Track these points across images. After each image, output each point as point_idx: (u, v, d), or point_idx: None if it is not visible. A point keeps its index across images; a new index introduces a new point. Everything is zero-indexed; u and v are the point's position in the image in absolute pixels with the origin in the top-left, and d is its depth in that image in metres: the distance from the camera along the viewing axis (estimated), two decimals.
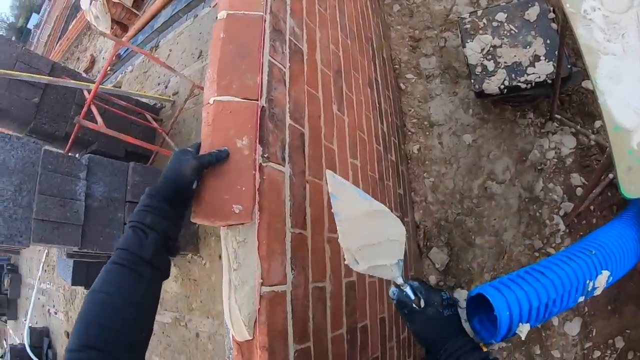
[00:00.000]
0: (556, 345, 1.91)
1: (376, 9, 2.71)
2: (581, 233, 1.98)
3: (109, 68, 5.72)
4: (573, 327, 1.89)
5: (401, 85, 2.78)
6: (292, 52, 1.21)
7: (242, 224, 0.88)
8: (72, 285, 3.03)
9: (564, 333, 1.91)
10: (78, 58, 8.17)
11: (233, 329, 0.88)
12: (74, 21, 7.99)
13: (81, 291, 4.42)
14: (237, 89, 0.96)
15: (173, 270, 3.31)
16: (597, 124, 2.12)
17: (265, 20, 1.10)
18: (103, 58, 5.98)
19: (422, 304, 0.82)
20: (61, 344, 4.70)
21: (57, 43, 8.96)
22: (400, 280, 0.85)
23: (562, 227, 2.03)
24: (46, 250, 5.09)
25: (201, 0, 4.52)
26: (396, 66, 2.85)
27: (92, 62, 6.56)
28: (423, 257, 2.41)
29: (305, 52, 1.31)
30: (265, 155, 0.93)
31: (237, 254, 0.87)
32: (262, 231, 0.88)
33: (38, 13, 13.10)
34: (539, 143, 2.21)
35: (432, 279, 2.33)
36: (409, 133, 2.65)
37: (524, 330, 0.90)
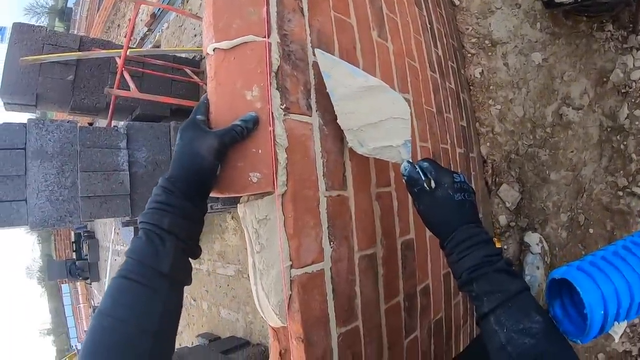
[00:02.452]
0: None
1: None
2: None
3: (147, 29, 5.70)
4: None
5: (454, 0, 2.39)
6: None
7: (263, 196, 0.72)
8: None
9: None
10: (119, 25, 8.24)
11: (265, 316, 0.76)
12: None
13: None
14: (238, 29, 0.76)
15: (232, 223, 3.34)
16: None
17: None
18: (141, 20, 5.90)
19: (433, 184, 0.77)
20: None
21: (96, 14, 9.06)
22: (410, 159, 0.82)
23: None
24: None
25: None
26: None
27: (133, 26, 6.52)
28: (492, 195, 2.18)
29: None
30: (284, 106, 0.75)
31: (259, 234, 0.72)
32: (287, 203, 0.72)
33: None
34: (622, 61, 1.78)
35: (503, 219, 2.11)
36: (469, 55, 2.31)
37: (619, 330, 0.68)
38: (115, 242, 5.49)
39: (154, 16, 5.25)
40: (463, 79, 2.21)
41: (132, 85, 2.37)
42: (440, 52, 1.79)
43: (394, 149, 0.83)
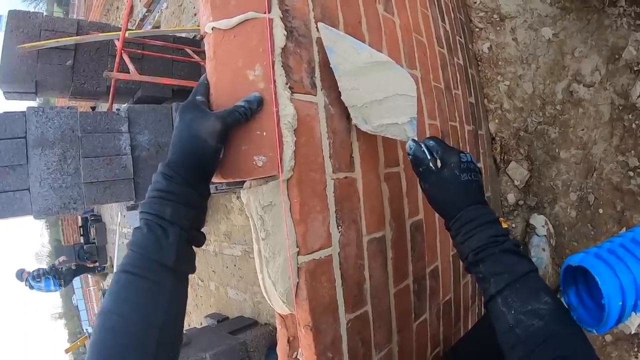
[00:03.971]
0: None
1: None
2: None
3: (146, 10, 5.58)
4: None
5: None
6: None
7: (266, 181, 0.70)
8: None
9: None
10: (117, 7, 8.07)
11: (272, 303, 0.74)
12: None
13: None
14: (237, 5, 0.71)
15: (237, 204, 3.34)
16: None
17: None
18: (140, 1, 5.79)
19: (439, 164, 0.75)
20: None
21: None
22: (415, 138, 0.80)
23: None
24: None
25: None
26: None
27: (131, 7, 6.40)
28: (500, 173, 2.14)
29: None
30: (288, 85, 0.72)
31: (264, 220, 0.70)
32: (292, 187, 0.69)
33: None
34: (635, 38, 1.70)
35: (511, 198, 2.07)
36: (477, 30, 2.23)
37: (635, 321, 0.66)
38: (122, 224, 5.53)
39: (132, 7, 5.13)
40: (471, 54, 2.14)
41: (131, 67, 2.32)
42: (447, 27, 1.73)
43: (399, 127, 0.81)
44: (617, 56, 1.75)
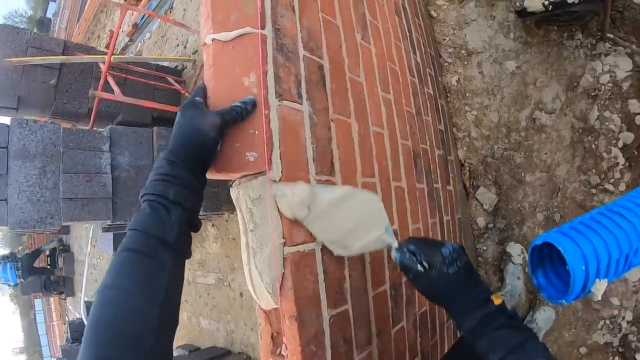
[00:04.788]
0: (615, 292, 1.74)
1: None
2: None
3: (128, 39, 5.68)
4: (634, 273, 1.70)
5: (432, 12, 2.49)
6: None
7: (256, 177, 0.75)
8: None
9: (624, 279, 1.73)
10: (99, 36, 8.18)
11: (256, 298, 0.78)
12: (89, 1, 7.91)
13: None
14: (236, 22, 0.80)
15: (212, 231, 3.33)
16: None
17: None
18: (122, 31, 5.89)
19: (426, 265, 0.77)
20: None
21: (76, 25, 8.97)
22: (396, 245, 0.82)
23: (620, 160, 1.78)
24: (92, 227, 5.30)
25: None
26: None
27: (112, 37, 6.49)
28: (470, 198, 2.24)
29: None
30: (278, 93, 0.79)
31: (253, 212, 0.74)
32: (279, 182, 0.74)
33: (55, 1, 13.18)
34: (591, 66, 1.90)
35: (481, 221, 2.17)
36: (446, 64, 2.40)
37: (600, 287, 0.73)
38: (92, 255, 5.35)
39: (135, 26, 5.25)
40: (440, 86, 2.29)
41: (116, 89, 2.36)
42: (418, 59, 1.87)
43: (377, 238, 0.84)
44: (575, 84, 1.93)
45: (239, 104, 0.72)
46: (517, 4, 1.84)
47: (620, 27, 1.88)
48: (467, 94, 2.31)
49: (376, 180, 1.14)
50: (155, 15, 3.11)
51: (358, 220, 0.82)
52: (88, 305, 5.07)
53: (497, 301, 0.72)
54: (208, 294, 3.40)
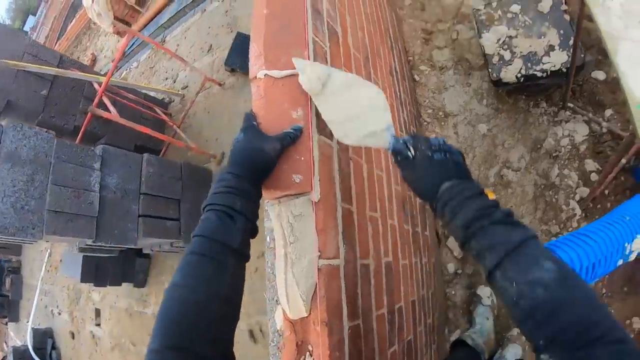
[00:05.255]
0: None
1: (390, 2, 2.71)
2: (597, 216, 2.00)
3: (111, 64, 5.70)
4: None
5: (415, 76, 2.78)
6: (330, 33, 1.20)
7: (298, 196, 0.86)
8: (81, 281, 2.96)
9: None
10: (78, 57, 8.09)
11: (288, 306, 0.86)
12: (74, 21, 7.92)
13: (87, 290, 4.36)
14: (285, 63, 0.94)
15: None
16: (608, 112, 2.16)
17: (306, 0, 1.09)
18: (105, 56, 5.93)
19: (412, 151, 0.78)
20: (65, 345, 4.64)
21: (55, 44, 8.85)
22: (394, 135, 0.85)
23: (578, 211, 2.05)
24: (49, 251, 5.03)
25: None
26: (409, 58, 2.85)
27: (94, 60, 6.51)
28: (441, 245, 2.41)
29: (340, 34, 1.29)
30: (318, 127, 0.92)
31: (294, 227, 0.85)
32: (318, 204, 0.86)
33: (34, 15, 12.93)
34: (553, 131, 2.22)
35: (451, 267, 2.33)
36: (425, 123, 2.66)
37: None
38: (44, 280, 5.00)
39: (123, 53, 5.31)
40: None
41: (112, 109, 2.40)
42: (405, 116, 2.09)
43: (378, 135, 0.86)
44: (539, 146, 2.22)
45: (291, 131, 0.83)
46: (494, 75, 2.14)
47: (579, 98, 2.22)
48: None
49: (378, 215, 1.27)
50: (157, 45, 3.19)
51: (363, 110, 0.87)
52: (36, 332, 4.69)
53: (491, 196, 0.68)
54: None
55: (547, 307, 0.54)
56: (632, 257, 1.15)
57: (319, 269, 0.82)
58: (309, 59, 0.97)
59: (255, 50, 0.98)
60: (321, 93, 0.85)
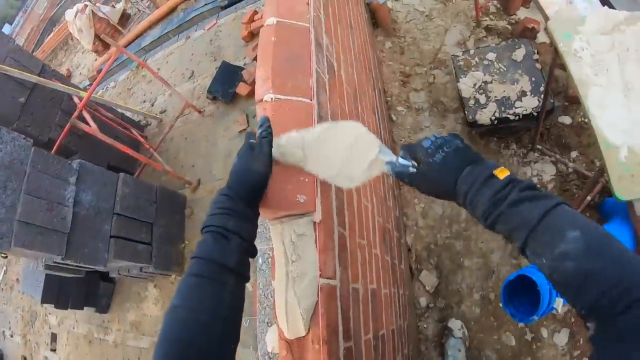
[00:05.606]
0: (547, 356, 2.00)
1: (372, 44, 2.87)
2: None
3: (89, 83, 5.61)
4: (562, 338, 1.99)
5: (392, 116, 2.92)
6: (329, 66, 1.28)
7: (302, 216, 0.89)
8: (41, 302, 2.77)
9: (553, 344, 2.00)
10: (53, 71, 7.90)
11: (287, 325, 0.86)
12: (52, 34, 7.80)
13: (43, 313, 4.09)
14: (291, 88, 0.99)
15: (153, 292, 3.17)
16: (574, 154, 2.34)
17: (310, 32, 1.16)
18: (80, 73, 5.83)
19: (415, 164, 0.77)
20: None
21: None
22: (394, 159, 0.82)
23: None
24: (4, 268, 4.70)
25: (194, 23, 4.58)
26: (388, 99, 3.00)
27: (69, 76, 6.38)
28: (414, 279, 2.46)
29: (336, 68, 1.37)
30: None
31: (296, 246, 0.87)
32: (319, 225, 0.89)
33: (10, 24, 12.57)
34: (522, 171, 2.39)
35: (423, 301, 2.38)
36: None
37: (559, 304, 0.98)
38: None
39: (99, 72, 5.25)
40: (396, 180, 2.62)
41: (92, 124, 2.35)
42: None
43: (375, 162, 0.85)
44: None
45: (262, 131, 0.84)
46: (470, 117, 2.29)
47: (547, 141, 2.40)
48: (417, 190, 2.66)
49: (365, 243, 1.31)
50: (144, 66, 3.18)
51: (349, 149, 0.85)
52: None
53: (501, 175, 0.66)
54: (138, 358, 3.11)
55: (579, 279, 0.54)
56: None
57: (320, 287, 0.84)
58: (312, 87, 1.03)
59: (262, 75, 1.02)
60: (305, 158, 0.86)
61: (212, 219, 0.73)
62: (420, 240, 2.54)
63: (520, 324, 2.05)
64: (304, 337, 0.85)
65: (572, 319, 2.00)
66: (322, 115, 1.05)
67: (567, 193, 2.25)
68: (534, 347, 2.03)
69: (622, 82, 1.38)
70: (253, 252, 0.78)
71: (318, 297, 0.84)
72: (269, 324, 1.00)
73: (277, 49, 1.08)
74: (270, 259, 1.41)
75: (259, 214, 0.83)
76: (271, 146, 0.83)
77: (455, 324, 2.18)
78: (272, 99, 0.97)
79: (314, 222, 0.88)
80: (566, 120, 2.41)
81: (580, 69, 1.44)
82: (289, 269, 0.86)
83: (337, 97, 1.28)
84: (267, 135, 0.84)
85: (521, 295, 1.01)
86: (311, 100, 1.00)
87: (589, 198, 2.06)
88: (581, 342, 1.96)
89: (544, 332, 2.03)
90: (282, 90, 0.98)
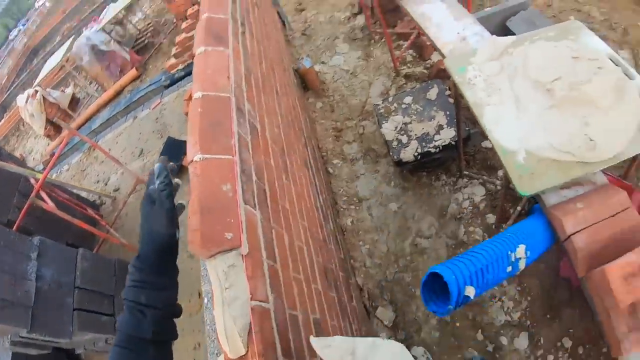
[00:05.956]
0: None
1: (304, 106, 3.21)
2: None
3: (43, 167, 5.66)
4: (522, 342, 2.11)
5: (329, 170, 3.19)
6: (251, 128, 1.51)
7: (231, 250, 1.07)
8: None
9: (515, 349, 2.12)
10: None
11: (229, 346, 1.00)
12: (3, 120, 7.85)
13: None
14: (217, 148, 1.21)
15: None
16: (499, 172, 2.62)
17: (231, 100, 1.41)
18: (33, 158, 5.89)
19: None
20: None
21: None
22: None
23: None
24: None
25: (140, 103, 4.86)
26: (323, 154, 3.29)
27: (22, 161, 6.39)
28: (371, 317, 2.59)
29: (259, 130, 1.62)
30: (243, 198, 1.17)
31: (228, 275, 1.04)
32: (247, 256, 1.07)
33: None
34: (455, 197, 2.67)
35: (384, 336, 2.49)
36: (342, 209, 3.00)
37: (470, 291, 1.16)
38: None
39: (52, 155, 5.36)
40: (338, 226, 2.83)
41: (50, 203, 2.47)
42: (321, 202, 2.42)
43: None
44: (444, 212, 2.62)
45: (160, 183, 0.85)
46: (395, 157, 2.59)
47: (474, 166, 2.72)
48: (360, 232, 2.88)
49: (302, 277, 1.49)
50: (96, 147, 3.35)
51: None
52: None
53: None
54: None
55: None
56: (522, 264, 1.29)
57: (251, 308, 1.01)
58: (235, 148, 1.25)
59: (192, 140, 1.24)
60: None
61: (127, 292, 0.77)
62: (370, 279, 2.71)
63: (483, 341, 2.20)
64: (244, 355, 0.99)
65: (529, 322, 2.13)
66: (245, 169, 1.27)
67: (497, 208, 2.48)
68: (497, 356, 2.13)
69: (514, 96, 1.53)
70: (175, 313, 0.85)
71: (251, 316, 1.00)
72: (218, 354, 1.12)
73: (203, 118, 1.30)
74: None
75: (177, 271, 0.89)
76: (172, 200, 0.84)
77: (417, 351, 2.30)
78: (200, 158, 1.18)
79: (242, 255, 1.06)
80: (488, 144, 2.70)
81: (475, 94, 1.61)
82: (224, 295, 1.02)
83: (261, 154, 1.51)
84: (165, 187, 0.83)
85: (439, 292, 1.23)
86: (233, 156, 1.22)
87: (519, 208, 2.31)
88: (542, 341, 2.07)
89: (504, 340, 2.15)
90: (208, 151, 1.20)
